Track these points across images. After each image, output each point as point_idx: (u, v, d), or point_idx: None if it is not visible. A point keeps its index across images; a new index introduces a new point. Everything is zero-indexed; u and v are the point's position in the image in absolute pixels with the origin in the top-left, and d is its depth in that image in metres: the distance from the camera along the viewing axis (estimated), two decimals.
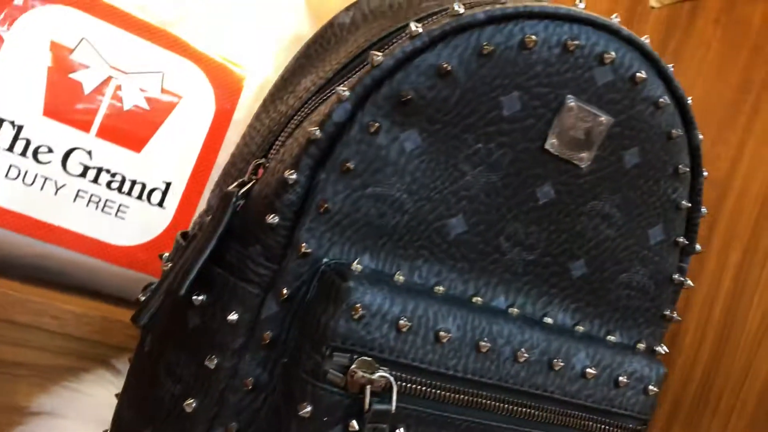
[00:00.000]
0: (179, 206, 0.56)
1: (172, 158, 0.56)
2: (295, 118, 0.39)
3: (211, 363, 0.35)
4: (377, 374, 0.33)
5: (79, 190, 0.53)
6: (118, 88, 0.54)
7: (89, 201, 0.54)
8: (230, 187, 0.37)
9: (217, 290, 0.35)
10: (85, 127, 0.53)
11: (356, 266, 0.34)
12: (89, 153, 0.54)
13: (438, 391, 0.35)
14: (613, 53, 0.37)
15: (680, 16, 0.79)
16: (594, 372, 0.38)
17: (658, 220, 0.41)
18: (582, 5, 0.37)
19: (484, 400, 0.36)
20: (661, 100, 0.38)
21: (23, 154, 0.52)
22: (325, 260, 0.34)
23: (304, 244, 0.34)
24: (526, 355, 0.36)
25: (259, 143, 0.40)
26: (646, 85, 0.38)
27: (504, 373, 0.36)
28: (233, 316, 0.34)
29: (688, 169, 0.41)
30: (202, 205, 0.55)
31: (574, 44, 0.36)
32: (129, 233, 0.55)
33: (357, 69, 0.38)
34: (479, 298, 0.37)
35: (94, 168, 0.54)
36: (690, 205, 0.41)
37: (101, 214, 0.54)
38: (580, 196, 0.38)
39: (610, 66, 0.37)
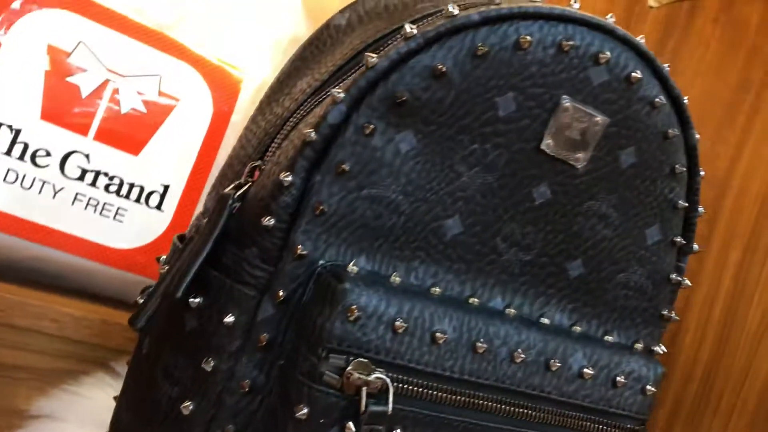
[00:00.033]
0: (177, 209, 0.56)
1: (170, 161, 0.56)
2: (291, 120, 0.39)
3: (208, 365, 0.35)
4: (373, 376, 0.33)
5: (77, 194, 0.54)
6: (116, 91, 0.54)
7: (87, 204, 0.54)
8: (226, 190, 0.37)
9: (213, 293, 0.35)
10: (82, 130, 0.53)
11: (352, 268, 0.34)
12: (87, 156, 0.54)
13: (434, 392, 0.35)
14: (608, 53, 0.37)
15: (679, 16, 0.79)
16: (591, 372, 0.38)
17: (655, 220, 0.41)
18: (576, 5, 0.37)
19: (480, 401, 0.36)
20: (657, 99, 0.38)
21: (21, 158, 0.52)
22: (321, 262, 0.35)
23: (299, 246, 0.34)
24: (522, 355, 0.36)
25: (255, 145, 0.40)
26: (642, 84, 0.38)
27: (501, 373, 0.36)
28: (229, 319, 0.35)
29: (684, 169, 0.40)
30: (200, 208, 0.55)
31: (568, 44, 0.36)
32: (127, 236, 0.55)
33: (352, 71, 0.38)
34: (476, 299, 0.37)
35: (92, 171, 0.54)
36: (687, 204, 0.41)
37: (99, 218, 0.54)
38: (576, 197, 0.38)
39: (606, 66, 0.37)
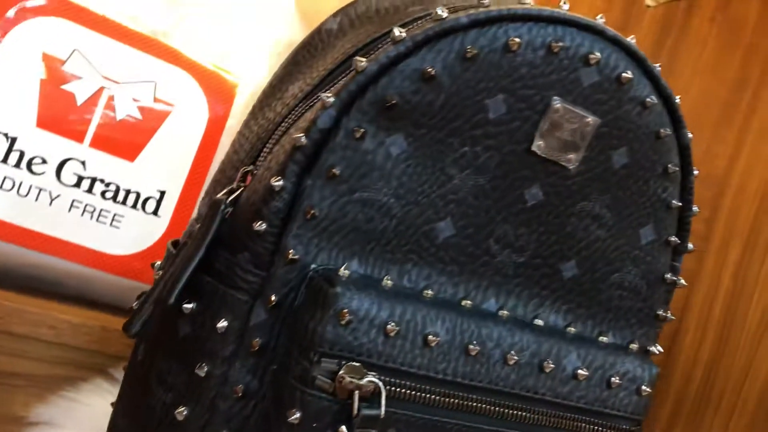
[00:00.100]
0: (174, 214, 0.56)
1: (166, 167, 0.56)
2: (282, 125, 0.39)
3: (202, 371, 0.35)
4: (366, 379, 0.33)
5: (73, 201, 0.54)
6: (111, 98, 0.54)
7: (84, 211, 0.54)
8: (219, 195, 0.37)
9: (206, 298, 0.36)
10: (78, 137, 0.54)
11: (344, 272, 0.34)
12: (83, 163, 0.54)
13: (427, 395, 0.35)
14: (598, 54, 0.37)
15: (676, 15, 0.79)
16: (585, 373, 0.38)
17: (649, 220, 0.41)
18: (566, 7, 0.37)
19: (474, 403, 0.36)
20: (648, 99, 0.38)
21: (17, 165, 0.52)
22: (313, 266, 0.35)
23: (291, 251, 0.34)
24: (516, 357, 0.36)
25: (248, 150, 0.40)
26: (633, 84, 0.38)
27: (494, 375, 0.36)
28: (222, 324, 0.35)
29: (677, 169, 0.40)
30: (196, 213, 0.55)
31: (558, 46, 0.36)
32: (124, 242, 0.55)
33: (343, 75, 0.38)
34: (469, 301, 0.37)
35: (88, 178, 0.54)
36: (681, 204, 0.41)
37: (96, 224, 0.54)
38: (569, 197, 0.38)
39: (596, 67, 0.37)
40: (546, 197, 0.38)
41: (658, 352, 0.43)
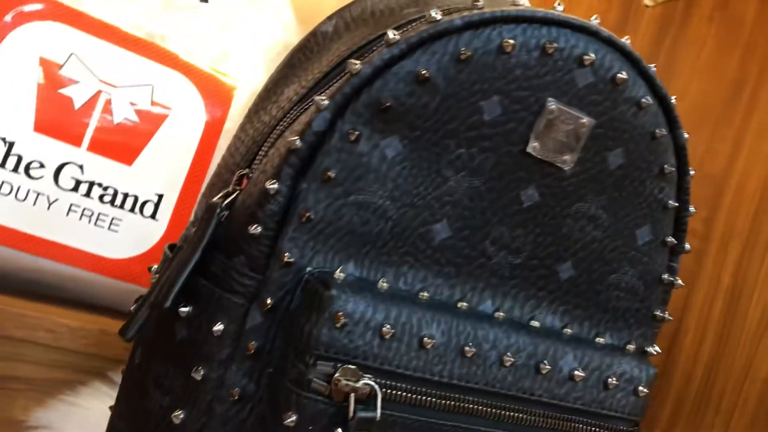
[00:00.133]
0: (172, 218, 0.56)
1: (163, 170, 0.56)
2: (278, 128, 0.39)
3: (198, 374, 0.35)
4: (361, 382, 0.33)
5: (71, 204, 0.54)
6: (108, 102, 0.54)
7: (82, 215, 0.54)
8: (214, 198, 0.37)
9: (202, 302, 0.36)
10: (76, 141, 0.54)
11: (339, 274, 0.34)
12: (81, 167, 0.54)
13: (423, 397, 0.35)
14: (592, 55, 0.37)
15: (674, 15, 0.79)
16: (582, 374, 0.38)
17: (646, 221, 0.41)
18: (560, 8, 0.37)
19: (470, 405, 0.36)
20: (643, 100, 0.38)
21: (15, 170, 0.52)
22: (308, 269, 0.35)
23: (286, 254, 0.34)
24: (512, 359, 0.36)
25: (243, 153, 0.40)
26: (628, 85, 0.38)
27: (490, 377, 0.36)
28: (218, 327, 0.35)
29: (674, 169, 0.40)
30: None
31: (552, 47, 0.36)
32: (122, 246, 0.55)
33: (338, 78, 0.38)
34: (465, 303, 0.37)
35: (86, 182, 0.54)
36: (677, 204, 0.41)
37: (94, 228, 0.54)
38: (564, 199, 0.38)
39: (590, 68, 0.37)
40: (542, 198, 0.38)
41: (656, 353, 0.43)
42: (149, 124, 0.55)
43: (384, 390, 0.34)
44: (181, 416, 0.35)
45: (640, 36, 0.81)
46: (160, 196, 0.56)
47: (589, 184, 0.39)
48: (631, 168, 0.39)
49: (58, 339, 0.51)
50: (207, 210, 0.37)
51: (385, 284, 0.35)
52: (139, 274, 0.55)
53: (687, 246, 0.43)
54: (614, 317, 0.41)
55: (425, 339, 0.34)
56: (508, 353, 0.36)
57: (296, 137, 0.34)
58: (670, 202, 0.41)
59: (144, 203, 0.56)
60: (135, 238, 0.55)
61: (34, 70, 0.53)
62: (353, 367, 0.33)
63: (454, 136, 0.36)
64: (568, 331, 0.40)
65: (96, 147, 0.54)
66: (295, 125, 0.37)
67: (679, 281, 0.43)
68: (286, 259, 0.34)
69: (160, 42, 0.57)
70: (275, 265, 0.34)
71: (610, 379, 0.39)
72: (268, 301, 0.34)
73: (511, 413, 0.37)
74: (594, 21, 0.37)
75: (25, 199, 0.53)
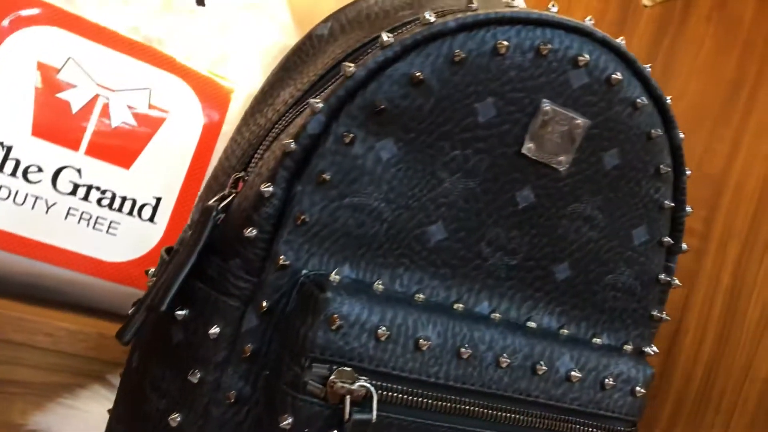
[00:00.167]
0: (170, 221, 0.56)
1: (161, 173, 0.56)
2: (273, 130, 0.39)
3: (194, 377, 0.35)
4: (357, 384, 0.33)
5: (69, 208, 0.54)
6: (106, 105, 0.54)
7: (80, 218, 0.54)
8: (210, 201, 0.37)
9: (199, 305, 0.36)
10: (74, 145, 0.54)
11: (334, 277, 0.34)
12: (79, 171, 0.54)
13: (419, 399, 0.35)
14: (587, 56, 0.37)
15: (673, 14, 0.79)
16: (579, 375, 0.38)
17: (642, 221, 0.41)
18: (555, 9, 0.37)
19: (466, 407, 0.36)
20: (638, 100, 0.38)
21: (13, 174, 0.53)
22: (304, 272, 0.35)
23: (282, 257, 0.34)
24: (508, 360, 0.36)
25: (239, 156, 0.40)
26: (623, 86, 0.38)
27: (486, 379, 0.36)
28: (215, 330, 0.35)
29: (669, 169, 0.40)
30: None
31: (547, 48, 0.36)
32: (121, 249, 0.55)
33: (333, 80, 0.38)
34: (461, 305, 0.37)
35: (84, 186, 0.54)
36: (674, 204, 0.41)
37: (93, 231, 0.54)
38: (560, 199, 0.38)
39: (585, 69, 0.37)
40: (537, 199, 0.38)
41: (653, 353, 0.43)
42: (147, 127, 0.55)
43: (380, 392, 0.34)
44: (178, 419, 0.35)
45: (639, 36, 0.81)
46: (158, 199, 0.56)
47: (584, 185, 0.39)
48: (627, 168, 0.39)
49: (56, 342, 0.52)
50: (203, 213, 0.37)
51: (380, 286, 0.35)
52: (137, 277, 0.55)
53: (684, 246, 0.43)
54: (611, 318, 0.41)
55: (421, 341, 0.34)
56: (505, 354, 0.36)
57: (291, 140, 0.34)
58: (666, 202, 0.41)
59: (142, 206, 0.56)
60: (133, 241, 0.56)
61: (31, 75, 0.53)
62: (349, 369, 0.33)
63: (449, 138, 0.36)
64: (565, 331, 0.40)
65: (94, 151, 0.54)
66: (290, 128, 0.37)
67: (676, 281, 0.43)
68: (281, 261, 0.34)
69: (157, 45, 0.57)
70: (271, 268, 0.34)
71: (606, 380, 0.39)
72: (264, 303, 0.34)
73: (508, 414, 0.37)
74: (588, 22, 0.37)
75: (23, 203, 0.53)
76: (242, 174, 0.38)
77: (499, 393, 0.36)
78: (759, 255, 0.68)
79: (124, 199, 0.55)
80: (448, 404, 0.35)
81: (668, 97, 0.40)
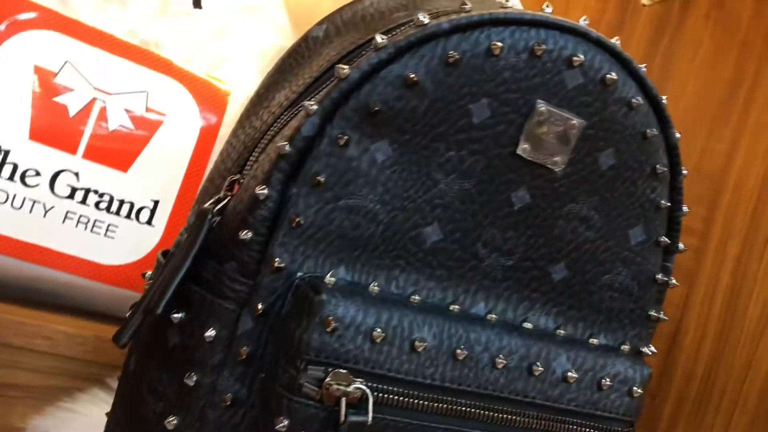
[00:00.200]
0: (168, 224, 0.56)
1: (159, 176, 0.56)
2: (268, 133, 0.39)
3: (191, 380, 0.35)
4: (352, 386, 0.33)
5: (67, 212, 0.54)
6: (103, 109, 0.55)
7: (78, 222, 0.54)
8: (206, 204, 0.37)
9: (194, 308, 0.36)
10: (71, 149, 0.54)
11: (330, 279, 0.34)
12: (76, 174, 0.54)
13: (415, 401, 0.35)
14: (581, 56, 0.37)
15: (671, 14, 0.79)
16: (575, 376, 0.38)
17: (638, 221, 0.41)
18: (549, 9, 0.37)
19: (463, 408, 0.36)
20: (633, 100, 0.38)
21: (11, 178, 0.53)
22: (299, 274, 0.35)
23: (277, 259, 0.34)
24: (504, 361, 0.36)
25: (235, 159, 0.40)
26: (618, 86, 0.38)
27: (483, 380, 0.36)
28: (210, 333, 0.35)
29: (666, 169, 0.40)
30: None
31: (541, 49, 0.36)
32: (119, 252, 0.55)
33: (328, 83, 0.38)
34: (457, 306, 0.37)
35: (81, 189, 0.54)
36: (670, 204, 0.41)
37: (91, 235, 0.55)
38: (556, 200, 0.38)
39: (580, 69, 0.37)
40: (533, 200, 0.38)
41: (651, 353, 0.43)
42: (144, 130, 0.56)
43: (375, 394, 0.34)
44: (175, 422, 0.35)
45: (637, 35, 0.81)
46: (156, 202, 0.56)
47: (580, 185, 0.39)
48: (623, 168, 0.39)
49: (55, 346, 0.52)
50: (198, 216, 0.37)
51: (376, 288, 0.35)
52: (135, 280, 0.56)
53: (681, 245, 0.43)
54: (608, 318, 0.41)
55: (417, 342, 0.34)
56: (501, 355, 0.36)
57: (286, 142, 0.34)
58: (663, 201, 0.41)
59: (140, 209, 0.56)
60: (131, 244, 0.56)
61: (28, 79, 0.53)
62: (344, 371, 0.33)
63: (444, 140, 0.36)
64: (562, 332, 0.40)
65: (91, 154, 0.54)
66: (285, 130, 0.37)
67: (674, 281, 0.43)
68: (276, 264, 0.34)
69: (154, 49, 0.57)
70: (266, 271, 0.34)
71: (603, 380, 0.39)
72: (259, 306, 0.34)
73: (504, 415, 0.37)
74: (583, 22, 0.37)
75: (21, 207, 0.53)
76: (238, 176, 0.38)
77: (496, 394, 0.36)
78: (759, 253, 0.67)
79: (121, 202, 0.55)
80: (444, 405, 0.35)
81: (664, 97, 0.40)
